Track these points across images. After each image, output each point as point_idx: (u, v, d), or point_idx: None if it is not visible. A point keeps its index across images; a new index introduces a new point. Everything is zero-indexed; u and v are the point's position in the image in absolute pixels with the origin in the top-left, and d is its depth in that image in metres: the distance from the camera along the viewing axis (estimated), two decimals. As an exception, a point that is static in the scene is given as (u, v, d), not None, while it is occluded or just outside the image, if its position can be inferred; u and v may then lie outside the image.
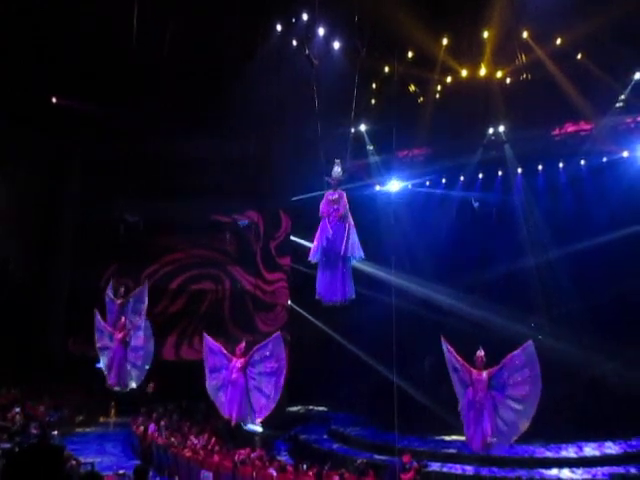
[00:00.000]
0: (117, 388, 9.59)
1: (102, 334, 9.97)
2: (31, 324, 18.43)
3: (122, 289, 10.16)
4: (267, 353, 8.78)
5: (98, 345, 9.99)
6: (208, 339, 9.59)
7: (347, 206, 7.66)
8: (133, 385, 9.54)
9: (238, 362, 8.96)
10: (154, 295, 20.51)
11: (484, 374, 8.45)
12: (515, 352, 8.46)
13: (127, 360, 9.60)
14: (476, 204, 17.92)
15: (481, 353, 8.65)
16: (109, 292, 10.16)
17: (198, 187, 18.09)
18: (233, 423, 9.08)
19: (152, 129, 16.61)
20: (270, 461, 11.43)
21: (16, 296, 18.10)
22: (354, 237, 7.63)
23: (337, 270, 7.58)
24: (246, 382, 8.84)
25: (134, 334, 9.51)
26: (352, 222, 7.65)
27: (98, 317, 10.01)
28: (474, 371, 8.54)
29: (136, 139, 16.93)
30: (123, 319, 9.61)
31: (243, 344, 9.19)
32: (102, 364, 9.88)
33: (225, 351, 9.29)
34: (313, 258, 7.73)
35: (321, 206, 7.79)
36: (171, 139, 17.58)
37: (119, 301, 9.89)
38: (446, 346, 8.80)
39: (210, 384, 9.34)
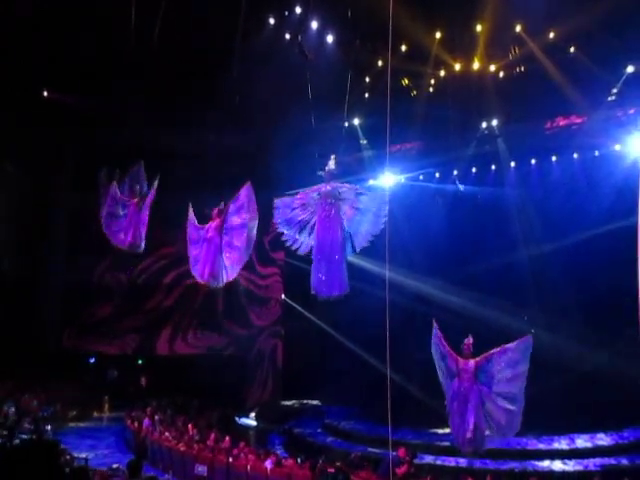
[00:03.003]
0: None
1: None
2: (25, 318, 18.36)
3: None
4: (239, 204, 8.45)
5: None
6: (191, 214, 9.24)
7: (342, 192, 7.63)
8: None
9: (214, 223, 8.66)
10: (148, 289, 20.72)
11: (471, 363, 8.09)
12: (509, 345, 8.06)
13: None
14: (461, 187, 17.88)
15: (469, 341, 8.28)
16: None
17: (191, 180, 18.02)
18: (203, 281, 8.74)
19: (145, 122, 16.53)
20: (265, 455, 11.46)
21: (10, 290, 18.01)
22: (351, 229, 7.63)
23: (332, 264, 7.59)
24: (220, 240, 8.53)
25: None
26: (349, 213, 7.62)
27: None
28: (461, 360, 8.20)
29: (129, 132, 16.83)
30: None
31: (220, 207, 8.74)
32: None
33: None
34: (306, 249, 7.74)
35: (305, 195, 7.78)
36: (164, 132, 17.49)
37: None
38: (436, 331, 8.64)
39: (192, 254, 9.00)
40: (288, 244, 7.96)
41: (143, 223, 10.09)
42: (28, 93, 16.33)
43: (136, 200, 10.12)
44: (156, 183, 10.06)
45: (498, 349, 8.13)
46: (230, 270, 8.68)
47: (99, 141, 18.01)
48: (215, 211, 8.80)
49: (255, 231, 8.42)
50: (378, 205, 7.66)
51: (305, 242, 7.85)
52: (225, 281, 8.77)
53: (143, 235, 10.13)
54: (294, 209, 7.88)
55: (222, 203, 8.85)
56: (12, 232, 18.82)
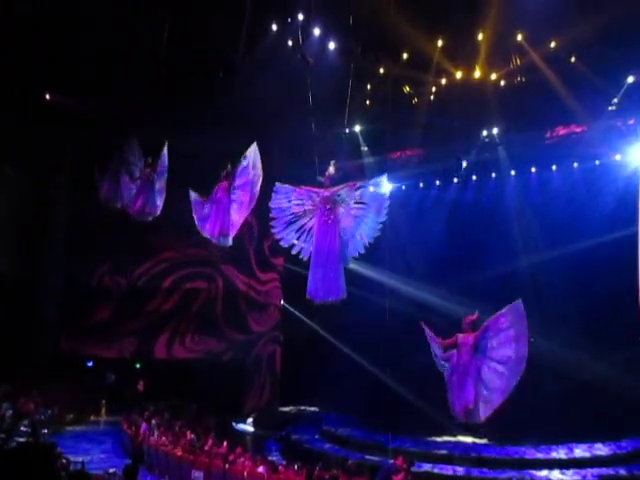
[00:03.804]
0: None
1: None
2: (23, 320, 18.32)
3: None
4: (246, 164, 8.94)
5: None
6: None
7: (341, 194, 7.67)
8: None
9: (222, 184, 9.23)
10: (147, 293, 20.70)
11: (470, 337, 8.23)
12: (501, 312, 8.20)
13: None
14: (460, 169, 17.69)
15: (472, 317, 8.42)
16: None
17: (190, 183, 18.02)
18: (214, 240, 9.29)
19: (145, 126, 16.56)
20: (260, 461, 11.42)
21: (8, 291, 17.98)
22: (352, 236, 7.66)
23: (329, 269, 7.61)
24: (229, 200, 9.06)
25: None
26: (348, 219, 7.65)
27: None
28: (460, 335, 8.36)
29: (129, 133, 16.87)
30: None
31: (228, 170, 9.26)
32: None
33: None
34: (305, 254, 7.78)
35: (304, 192, 7.84)
36: (163, 136, 17.53)
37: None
38: (428, 333, 8.70)
39: (199, 217, 9.53)
40: (275, 235, 8.10)
41: (159, 190, 10.30)
42: (28, 94, 16.37)
43: (148, 170, 10.69)
44: (165, 149, 10.36)
45: (492, 318, 8.26)
46: (234, 225, 9.14)
47: (99, 142, 18.03)
48: (223, 173, 9.26)
49: (258, 188, 8.78)
50: (376, 209, 7.70)
51: (305, 247, 7.90)
52: (231, 237, 9.15)
53: (158, 202, 10.44)
54: (290, 201, 7.99)
55: (229, 165, 9.29)
56: (11, 233, 18.80)
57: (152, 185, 10.71)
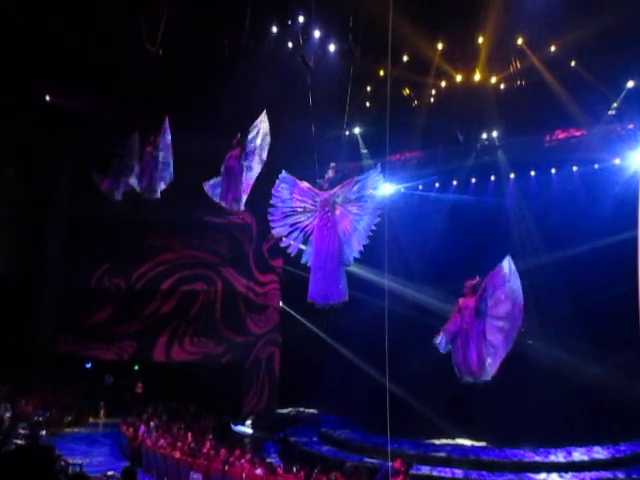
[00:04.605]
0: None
1: None
2: (21, 321, 18.30)
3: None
4: (255, 132, 9.29)
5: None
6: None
7: (340, 194, 7.69)
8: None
9: (234, 151, 9.44)
10: (146, 295, 20.67)
11: (472, 301, 8.46)
12: (494, 271, 8.42)
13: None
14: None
15: (473, 281, 8.66)
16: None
17: (191, 186, 17.98)
18: (228, 206, 9.46)
19: (144, 126, 16.55)
20: (260, 463, 11.40)
21: (7, 292, 17.96)
22: (350, 237, 7.65)
23: (329, 272, 7.60)
24: (240, 167, 9.35)
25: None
26: (346, 221, 7.66)
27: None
28: (461, 299, 8.62)
29: (128, 136, 16.87)
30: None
31: (237, 137, 9.54)
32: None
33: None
34: (306, 260, 7.78)
35: (305, 191, 7.87)
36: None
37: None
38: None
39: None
40: (270, 223, 8.13)
41: (164, 164, 10.70)
42: (28, 96, 16.37)
43: (150, 148, 10.80)
44: (166, 123, 10.47)
45: (487, 277, 8.49)
46: (245, 191, 9.38)
47: (99, 142, 18.02)
48: (234, 141, 9.53)
49: (266, 153, 9.18)
50: (373, 210, 7.69)
51: (306, 250, 7.90)
52: (243, 202, 9.41)
53: (165, 177, 10.57)
54: (292, 194, 8.01)
55: (238, 134, 9.59)
56: (10, 234, 18.78)
57: (156, 161, 10.84)
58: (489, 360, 8.27)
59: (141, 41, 13.02)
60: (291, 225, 7.96)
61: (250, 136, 9.39)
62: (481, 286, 8.51)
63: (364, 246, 7.74)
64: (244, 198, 9.50)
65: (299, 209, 8.00)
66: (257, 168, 9.33)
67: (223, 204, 9.64)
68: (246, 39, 13.94)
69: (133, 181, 11.31)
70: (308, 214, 7.93)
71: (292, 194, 8.08)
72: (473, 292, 8.57)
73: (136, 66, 14.18)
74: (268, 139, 9.25)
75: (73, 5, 13.31)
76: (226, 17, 13.50)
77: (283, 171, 8.28)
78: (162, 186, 10.98)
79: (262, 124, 9.30)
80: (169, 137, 10.83)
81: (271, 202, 8.18)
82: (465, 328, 8.40)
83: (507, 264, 8.38)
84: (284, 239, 8.04)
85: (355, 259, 7.78)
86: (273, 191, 8.20)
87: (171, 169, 10.96)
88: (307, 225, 7.95)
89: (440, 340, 8.68)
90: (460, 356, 8.46)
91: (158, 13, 12.82)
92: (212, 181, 9.80)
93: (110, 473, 10.33)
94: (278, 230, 8.05)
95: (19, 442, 11.39)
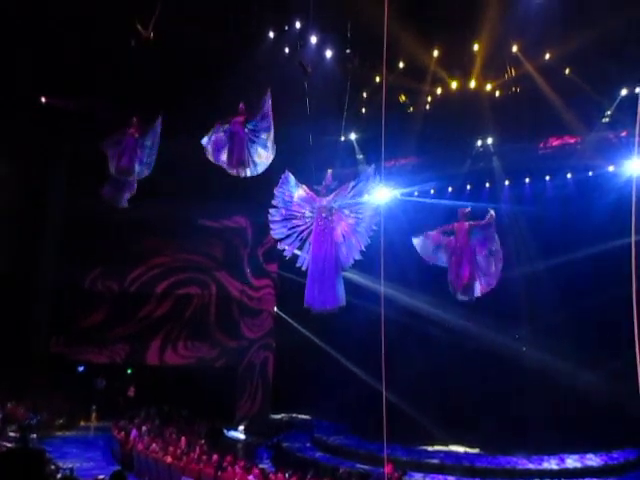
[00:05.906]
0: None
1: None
2: (13, 322, 18.15)
3: None
4: (263, 111, 9.50)
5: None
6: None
7: (337, 199, 7.70)
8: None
9: (239, 118, 9.64)
10: (139, 298, 20.59)
11: (466, 224, 9.34)
12: (479, 221, 9.44)
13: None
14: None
15: (466, 210, 9.52)
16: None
17: (185, 189, 17.95)
18: (232, 170, 9.53)
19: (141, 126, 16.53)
20: (252, 468, 11.35)
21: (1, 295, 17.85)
22: (348, 243, 7.66)
23: (325, 278, 7.60)
24: (244, 133, 9.47)
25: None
26: (343, 226, 7.67)
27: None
28: (456, 223, 9.42)
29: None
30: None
31: (241, 107, 9.75)
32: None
33: None
34: (300, 264, 7.78)
35: (305, 196, 7.88)
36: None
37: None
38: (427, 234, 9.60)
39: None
40: (269, 224, 8.16)
41: (141, 147, 10.86)
42: (25, 96, 16.31)
43: (132, 130, 11.02)
44: (159, 121, 10.84)
45: (474, 222, 9.47)
46: (251, 157, 9.52)
47: (92, 146, 17.97)
48: (239, 109, 9.79)
49: (272, 132, 9.36)
50: (370, 214, 7.72)
51: (303, 256, 7.91)
52: (249, 169, 9.49)
53: (144, 160, 10.62)
54: (292, 197, 8.06)
55: (242, 103, 9.88)
56: (4, 234, 18.68)
57: (136, 143, 10.91)
58: (479, 281, 9.23)
59: (139, 41, 13.00)
60: (289, 229, 7.99)
61: (257, 111, 9.58)
62: (475, 223, 9.41)
63: (360, 251, 7.76)
64: (249, 166, 9.51)
65: (297, 214, 8.04)
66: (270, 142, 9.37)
67: (227, 168, 9.70)
68: (243, 44, 13.96)
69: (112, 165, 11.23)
70: (306, 219, 7.97)
71: (292, 196, 8.12)
72: (466, 219, 9.43)
73: (135, 66, 14.17)
74: (271, 122, 9.41)
75: (72, 5, 13.32)
76: (225, 20, 13.53)
77: (286, 171, 8.31)
78: (136, 170, 10.97)
79: (267, 102, 9.52)
80: (159, 129, 10.95)
81: (273, 202, 8.20)
82: (459, 247, 9.24)
83: (488, 216, 9.45)
84: (280, 243, 8.07)
85: (355, 260, 7.79)
86: (275, 191, 8.23)
87: (154, 157, 11.00)
88: (304, 230, 7.98)
89: (420, 241, 9.72)
90: (454, 273, 9.28)
91: (154, 12, 12.82)
92: (213, 136, 9.88)
93: (101, 477, 10.23)
94: (276, 232, 8.08)
95: (8, 445, 11.31)
